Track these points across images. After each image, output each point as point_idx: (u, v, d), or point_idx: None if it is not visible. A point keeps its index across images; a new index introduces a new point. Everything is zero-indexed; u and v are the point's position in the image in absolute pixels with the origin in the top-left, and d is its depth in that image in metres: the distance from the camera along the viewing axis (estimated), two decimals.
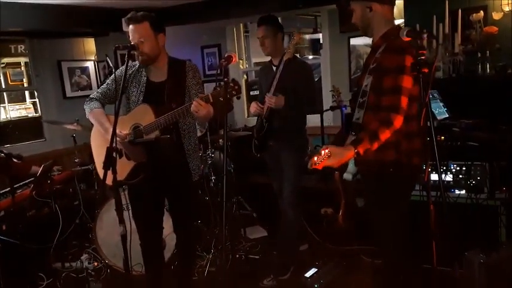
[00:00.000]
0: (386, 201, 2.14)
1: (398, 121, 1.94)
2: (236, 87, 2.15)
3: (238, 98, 2.20)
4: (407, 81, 1.95)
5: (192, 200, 2.73)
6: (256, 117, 3.26)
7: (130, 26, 2.38)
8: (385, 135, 1.95)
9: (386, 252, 2.28)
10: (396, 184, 2.11)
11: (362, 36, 2.33)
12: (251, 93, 5.98)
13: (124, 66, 2.50)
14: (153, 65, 2.49)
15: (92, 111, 2.54)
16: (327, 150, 1.89)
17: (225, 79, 2.12)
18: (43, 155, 4.47)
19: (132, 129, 2.45)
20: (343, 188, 3.44)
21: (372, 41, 2.23)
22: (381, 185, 2.12)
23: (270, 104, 2.93)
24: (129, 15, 2.40)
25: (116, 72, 2.47)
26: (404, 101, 1.95)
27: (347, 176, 2.30)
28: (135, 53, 2.35)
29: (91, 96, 2.62)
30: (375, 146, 1.95)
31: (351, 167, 2.31)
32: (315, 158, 1.90)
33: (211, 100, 2.20)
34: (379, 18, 2.14)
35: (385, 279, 2.33)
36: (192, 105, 2.23)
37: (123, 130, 2.43)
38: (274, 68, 3.08)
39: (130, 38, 2.39)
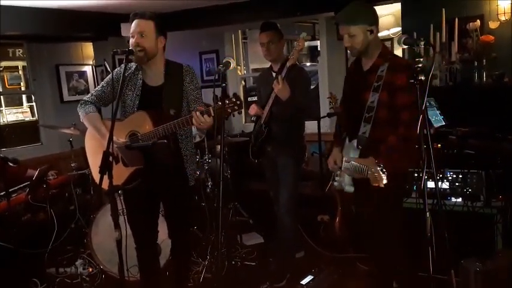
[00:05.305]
0: (398, 200, 2.33)
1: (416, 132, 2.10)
2: (238, 102, 2.16)
3: (240, 113, 2.21)
4: None
5: (187, 205, 2.72)
6: (253, 123, 3.26)
7: (135, 21, 2.37)
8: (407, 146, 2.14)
9: (384, 255, 2.36)
10: (404, 184, 2.34)
11: None
12: (249, 99, 5.99)
13: (119, 68, 2.48)
14: (149, 68, 2.46)
15: (86, 115, 2.49)
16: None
17: (228, 95, 2.15)
18: (39, 159, 4.46)
19: (129, 137, 2.43)
20: (340, 195, 3.44)
21: (361, 60, 2.35)
22: (395, 184, 2.20)
23: (276, 87, 2.82)
24: (136, 12, 2.39)
25: (113, 73, 2.42)
26: None
27: (349, 188, 2.34)
28: (133, 57, 2.34)
29: (85, 99, 2.56)
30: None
31: (349, 179, 2.34)
32: (384, 181, 2.03)
33: (213, 114, 2.20)
34: (376, 39, 2.26)
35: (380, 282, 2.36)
36: (194, 120, 2.23)
37: (120, 137, 2.40)
38: (274, 74, 3.07)
39: (131, 31, 2.36)
